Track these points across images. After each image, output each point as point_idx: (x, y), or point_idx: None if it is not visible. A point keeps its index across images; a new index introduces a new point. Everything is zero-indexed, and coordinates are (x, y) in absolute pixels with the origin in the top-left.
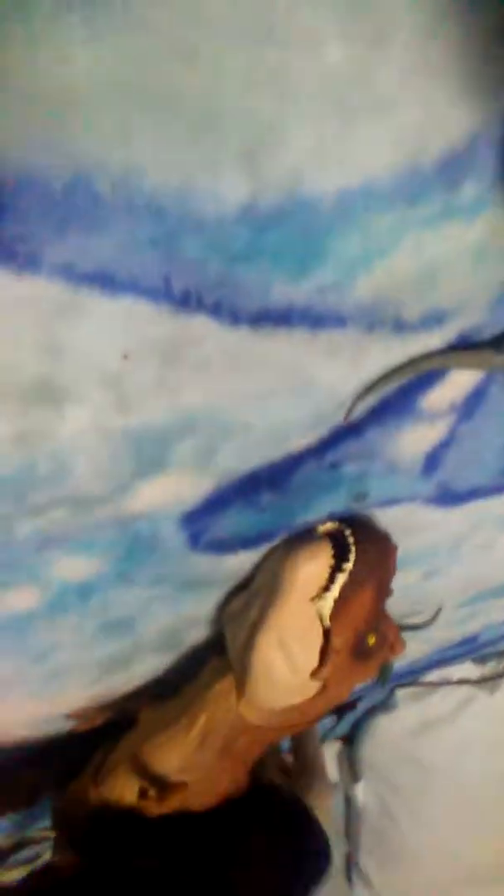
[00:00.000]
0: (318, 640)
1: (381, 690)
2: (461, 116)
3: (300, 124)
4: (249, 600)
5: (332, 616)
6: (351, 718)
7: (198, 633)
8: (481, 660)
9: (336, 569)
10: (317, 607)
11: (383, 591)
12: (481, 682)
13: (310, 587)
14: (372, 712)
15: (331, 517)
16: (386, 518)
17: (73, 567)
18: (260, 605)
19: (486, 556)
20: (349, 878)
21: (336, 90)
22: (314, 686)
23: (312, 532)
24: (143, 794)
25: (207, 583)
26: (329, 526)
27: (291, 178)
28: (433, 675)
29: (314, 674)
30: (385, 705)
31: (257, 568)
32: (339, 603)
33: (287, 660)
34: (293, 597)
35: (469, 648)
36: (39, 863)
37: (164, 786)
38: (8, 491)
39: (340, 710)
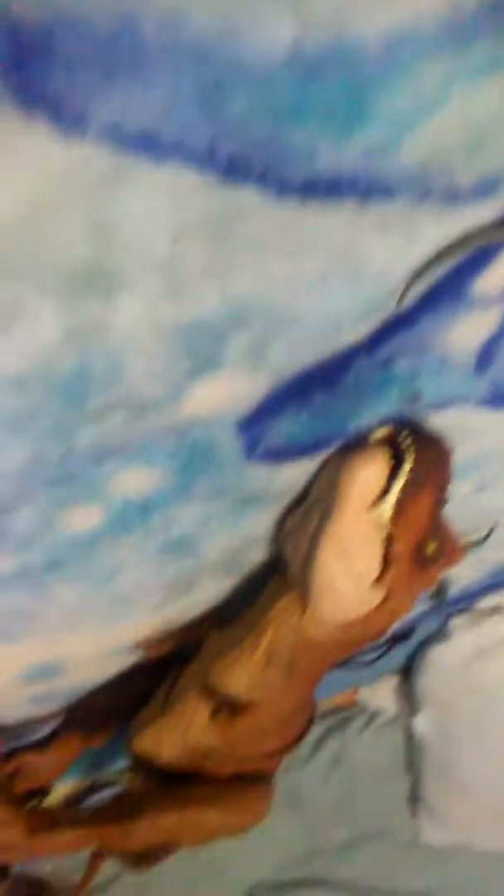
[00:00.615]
0: (378, 548)
1: (435, 618)
2: None
3: None
4: (307, 513)
5: (392, 521)
6: (406, 650)
7: (257, 554)
8: None
9: (394, 472)
10: (376, 513)
11: (441, 495)
12: None
13: (368, 493)
14: (427, 643)
15: (383, 422)
16: (439, 422)
17: (133, 481)
18: (318, 516)
19: None
20: (413, 812)
21: None
22: (376, 596)
23: (367, 439)
24: (214, 714)
25: (264, 497)
26: (383, 432)
27: (337, 16)
28: (486, 602)
29: (376, 582)
30: (439, 634)
31: (313, 481)
32: (399, 507)
33: (348, 569)
34: (352, 504)
35: None
36: None
37: (234, 707)
38: (63, 394)
39: (395, 641)
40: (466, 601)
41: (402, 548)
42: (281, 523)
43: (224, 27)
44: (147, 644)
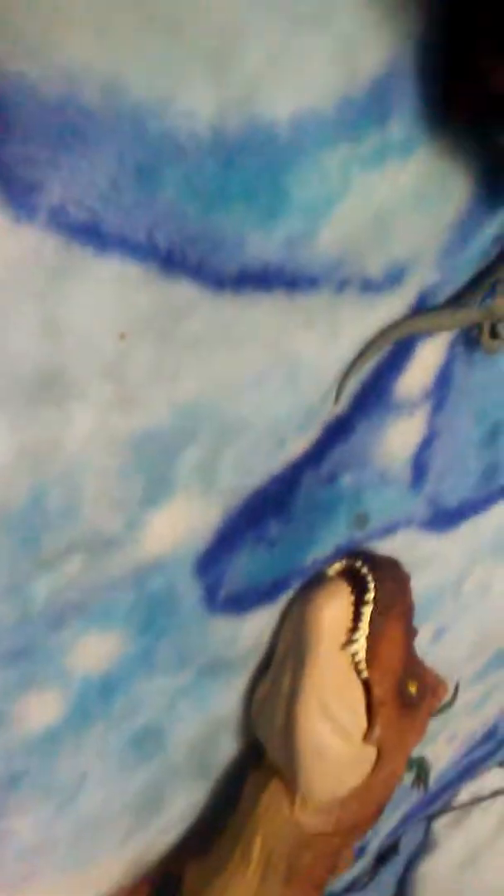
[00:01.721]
0: (360, 696)
1: (418, 827)
2: (384, 38)
3: (255, 28)
4: (277, 676)
5: (368, 661)
6: (395, 870)
7: (229, 745)
8: None
9: (358, 604)
10: (350, 653)
11: (409, 623)
12: None
13: (337, 631)
14: (414, 858)
15: (337, 553)
16: (387, 551)
17: (92, 652)
18: (289, 672)
19: (489, 598)
20: None
21: None
22: (370, 754)
23: (323, 576)
24: None
25: (230, 663)
26: (339, 565)
27: (251, 91)
28: (465, 794)
29: (366, 736)
30: (426, 845)
31: (277, 637)
32: (371, 642)
33: (334, 727)
34: (322, 647)
35: (493, 747)
36: None
37: None
38: (17, 534)
39: (381, 860)
40: (446, 794)
41: (383, 691)
42: (250, 702)
43: (158, 97)
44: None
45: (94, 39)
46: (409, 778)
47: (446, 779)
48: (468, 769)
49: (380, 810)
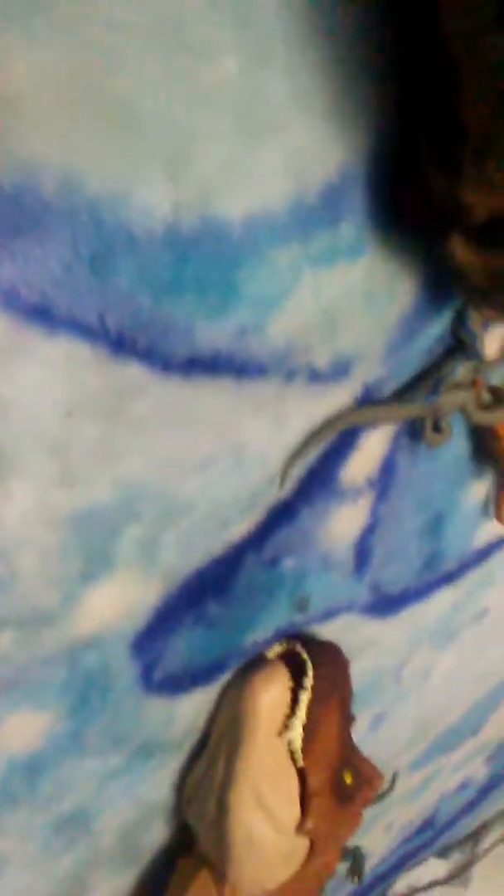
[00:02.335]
0: (294, 786)
1: None
2: (336, 149)
3: (211, 135)
4: (211, 761)
5: (304, 750)
6: None
7: (158, 831)
8: (444, 853)
9: (296, 689)
10: (287, 740)
11: (347, 710)
12: (450, 879)
13: (274, 717)
14: None
15: (277, 636)
16: (328, 635)
17: (21, 730)
18: (223, 758)
19: (428, 684)
20: None
21: (237, 102)
22: (302, 845)
23: (262, 658)
24: None
25: (163, 744)
26: (278, 648)
27: (205, 193)
28: (401, 885)
29: (299, 827)
30: None
31: (212, 722)
32: (308, 731)
33: (267, 817)
34: (258, 733)
35: (431, 837)
36: None
37: None
38: None
39: None
40: (381, 886)
41: (318, 781)
42: (182, 787)
43: (114, 193)
44: None
45: (54, 134)
46: (343, 868)
47: (382, 869)
48: (404, 859)
49: None
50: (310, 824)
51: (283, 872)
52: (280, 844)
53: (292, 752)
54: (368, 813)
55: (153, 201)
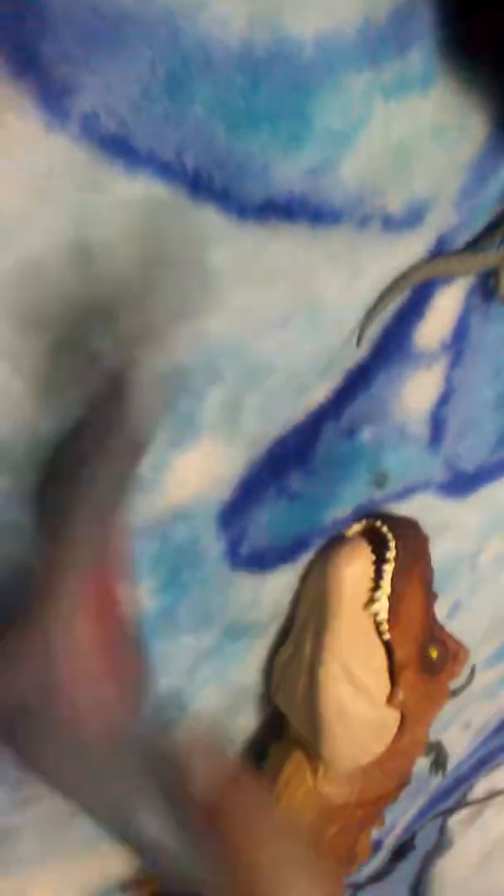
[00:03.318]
0: (382, 660)
1: (433, 825)
2: None
3: None
4: (297, 641)
5: (389, 622)
6: (411, 868)
7: (249, 718)
8: None
9: (379, 563)
10: (371, 612)
11: (429, 584)
12: None
13: (358, 591)
14: (430, 857)
15: (356, 514)
16: (406, 513)
17: None
18: (311, 636)
19: (502, 575)
20: None
21: None
22: (393, 718)
23: (343, 537)
24: None
25: (251, 625)
26: (358, 526)
27: (278, 5)
28: (479, 789)
29: (389, 699)
30: (441, 844)
31: (298, 601)
32: (392, 602)
33: (357, 690)
34: (344, 607)
35: None
36: None
37: None
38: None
39: (398, 855)
40: (461, 787)
41: (405, 654)
42: (270, 673)
43: (190, 2)
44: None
45: None
46: (426, 763)
47: (461, 770)
48: (483, 761)
49: (402, 783)
50: (400, 695)
51: (375, 747)
52: (371, 717)
53: (378, 624)
54: (445, 712)
55: (228, 11)
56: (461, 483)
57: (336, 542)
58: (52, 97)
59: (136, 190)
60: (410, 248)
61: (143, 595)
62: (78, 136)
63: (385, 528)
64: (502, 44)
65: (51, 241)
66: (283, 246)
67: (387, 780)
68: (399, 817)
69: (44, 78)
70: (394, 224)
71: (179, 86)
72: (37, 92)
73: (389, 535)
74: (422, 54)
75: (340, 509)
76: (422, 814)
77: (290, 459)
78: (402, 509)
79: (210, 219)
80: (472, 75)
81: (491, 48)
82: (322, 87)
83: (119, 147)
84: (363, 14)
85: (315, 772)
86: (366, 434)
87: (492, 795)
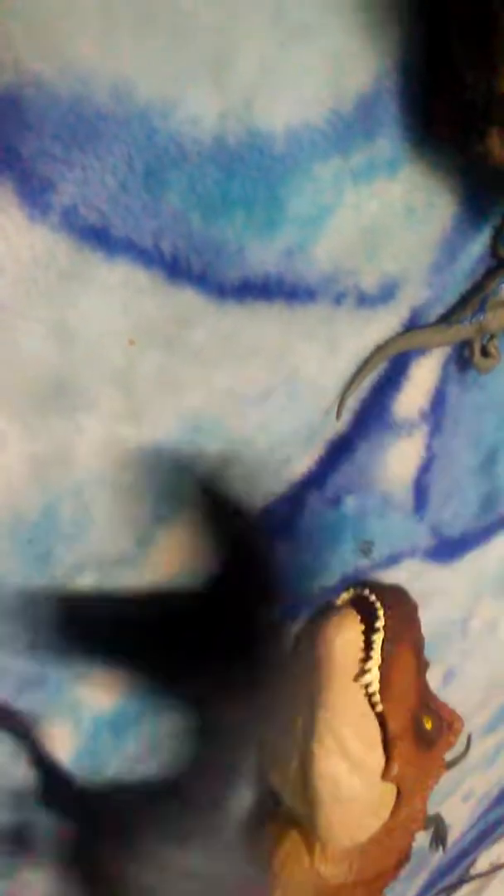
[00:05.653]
0: (376, 732)
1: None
2: (369, 56)
3: (249, 36)
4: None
5: (382, 692)
6: None
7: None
8: None
9: (368, 632)
10: (364, 684)
11: (421, 651)
12: None
13: (349, 661)
14: None
15: (344, 583)
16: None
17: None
18: (303, 711)
19: (495, 639)
20: None
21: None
22: (389, 794)
23: (331, 606)
24: None
25: None
26: (346, 595)
27: (248, 100)
28: (482, 863)
29: (385, 773)
30: None
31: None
32: (384, 672)
33: (352, 765)
34: (336, 678)
35: None
36: None
37: None
38: (32, 550)
39: None
40: (464, 862)
41: (398, 725)
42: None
43: (164, 100)
44: None
45: (104, 42)
46: (425, 838)
47: (463, 844)
48: (485, 833)
49: (402, 859)
50: (395, 769)
51: (372, 823)
52: (367, 793)
53: (370, 695)
54: (445, 783)
55: (200, 109)
56: (447, 548)
57: (325, 611)
58: (34, 192)
59: (116, 276)
60: (385, 323)
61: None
62: (59, 227)
63: (373, 597)
64: (465, 126)
65: (34, 326)
66: (262, 324)
67: (386, 857)
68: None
69: (25, 174)
70: (368, 300)
71: (155, 178)
72: (19, 187)
73: (378, 604)
74: (388, 140)
75: (327, 579)
76: (424, 891)
77: (276, 529)
78: (390, 576)
79: (189, 300)
80: (438, 157)
81: (454, 130)
82: (293, 175)
83: (98, 236)
84: (331, 105)
85: (312, 851)
86: (350, 503)
87: (495, 869)
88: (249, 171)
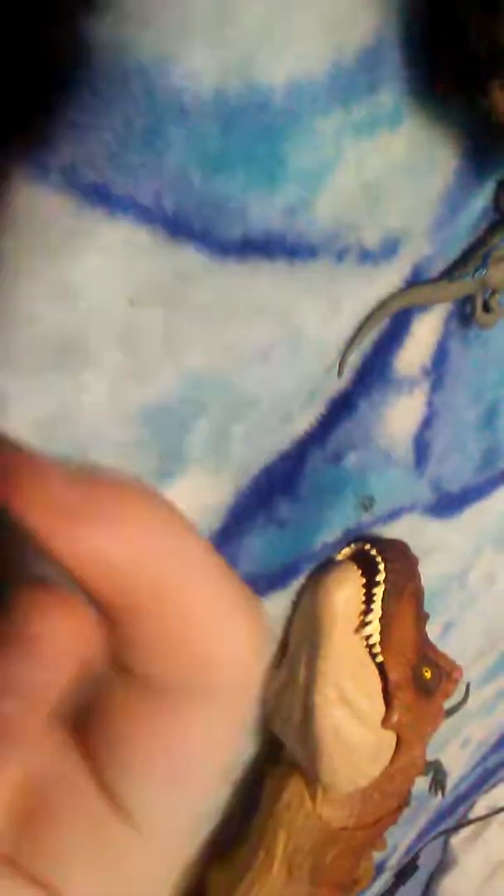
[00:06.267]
0: (376, 682)
1: (437, 843)
2: (373, 10)
3: None
4: (291, 666)
5: (382, 644)
6: (415, 885)
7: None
8: None
9: (369, 586)
10: (364, 636)
11: (420, 605)
12: None
13: (350, 614)
14: (434, 879)
15: (345, 538)
16: (393, 537)
17: None
18: (304, 661)
19: (494, 591)
20: None
21: None
22: (389, 740)
23: (333, 561)
24: None
25: None
26: (347, 550)
27: (248, 54)
28: (480, 807)
29: (385, 720)
30: (444, 864)
31: (289, 626)
32: (384, 624)
33: (353, 713)
34: (336, 631)
35: None
36: None
37: None
38: None
39: (401, 878)
40: (462, 806)
41: (399, 675)
42: (264, 699)
43: (162, 58)
44: None
45: None
46: (425, 783)
47: (461, 788)
48: (483, 778)
49: (401, 803)
50: (395, 717)
51: (373, 769)
52: (367, 739)
53: (371, 647)
54: (443, 730)
55: (200, 64)
56: (448, 504)
57: (326, 566)
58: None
59: (117, 234)
60: (387, 279)
61: None
62: (59, 187)
63: (374, 552)
64: (467, 79)
65: (35, 285)
66: (263, 282)
67: (386, 801)
68: (401, 839)
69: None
70: (370, 257)
71: (155, 136)
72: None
73: (379, 558)
74: (390, 94)
75: (329, 534)
76: (423, 834)
77: (278, 486)
78: (391, 532)
79: (191, 258)
80: (440, 111)
81: (456, 84)
82: (294, 131)
83: (99, 194)
84: (332, 59)
85: (314, 796)
86: (351, 459)
87: (493, 813)
88: (250, 127)
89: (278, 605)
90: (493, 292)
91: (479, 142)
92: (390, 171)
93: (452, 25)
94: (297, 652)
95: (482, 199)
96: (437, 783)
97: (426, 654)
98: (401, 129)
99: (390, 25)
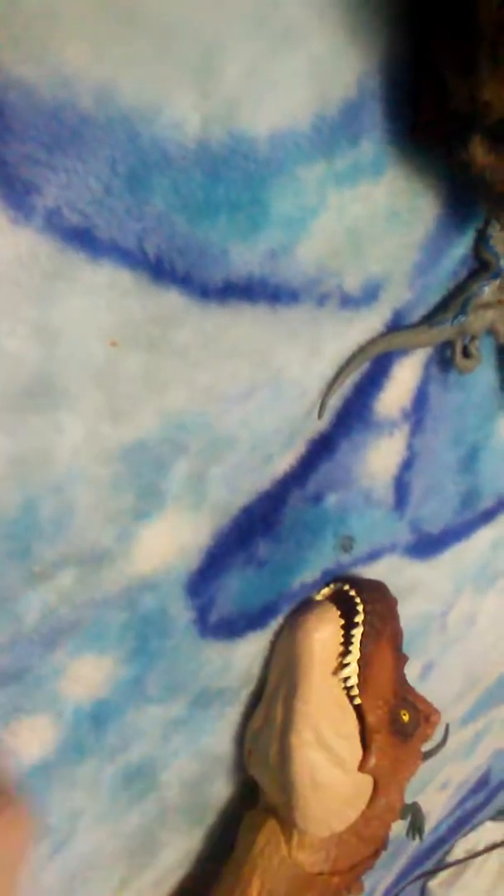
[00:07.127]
0: (353, 725)
1: (415, 887)
2: (353, 60)
3: (235, 42)
4: (269, 707)
5: (360, 686)
6: None
7: (223, 785)
8: (498, 816)
9: (348, 627)
10: (341, 677)
11: (399, 647)
12: None
13: (328, 656)
14: None
15: (324, 578)
16: (373, 577)
17: (87, 672)
18: (281, 702)
19: (474, 632)
20: None
21: (257, 9)
22: (366, 785)
23: (312, 601)
24: None
25: (222, 693)
26: (327, 590)
27: (232, 105)
28: (459, 850)
29: (361, 765)
30: None
31: (268, 668)
32: (363, 666)
33: (329, 756)
34: (314, 672)
35: (485, 796)
36: None
37: None
38: (10, 545)
39: None
40: (440, 849)
41: (376, 718)
42: (243, 740)
43: (147, 105)
44: None
45: (88, 47)
46: (403, 826)
47: (440, 831)
48: (462, 821)
49: (378, 848)
50: (372, 761)
51: (349, 813)
52: (344, 783)
53: (348, 689)
54: (423, 772)
55: (184, 115)
56: (427, 545)
57: (305, 606)
58: (18, 194)
59: (100, 277)
60: (368, 324)
61: (111, 666)
62: (43, 229)
63: (353, 592)
64: (448, 132)
65: (17, 326)
66: (245, 325)
67: (363, 846)
68: (378, 882)
69: (9, 177)
70: (351, 301)
71: (139, 182)
72: (2, 190)
73: (358, 599)
74: (372, 144)
75: (308, 574)
76: (401, 877)
77: (257, 527)
78: (371, 572)
79: (173, 301)
80: (421, 161)
81: (438, 137)
82: (277, 179)
83: (82, 238)
84: (315, 110)
85: (289, 840)
86: (331, 500)
87: (472, 856)
88: (233, 175)
89: (257, 644)
90: (473, 338)
91: (460, 191)
92: (372, 219)
93: (433, 80)
94: (274, 693)
95: (462, 246)
96: (415, 827)
97: (405, 696)
98: (382, 178)
99: (373, 78)
